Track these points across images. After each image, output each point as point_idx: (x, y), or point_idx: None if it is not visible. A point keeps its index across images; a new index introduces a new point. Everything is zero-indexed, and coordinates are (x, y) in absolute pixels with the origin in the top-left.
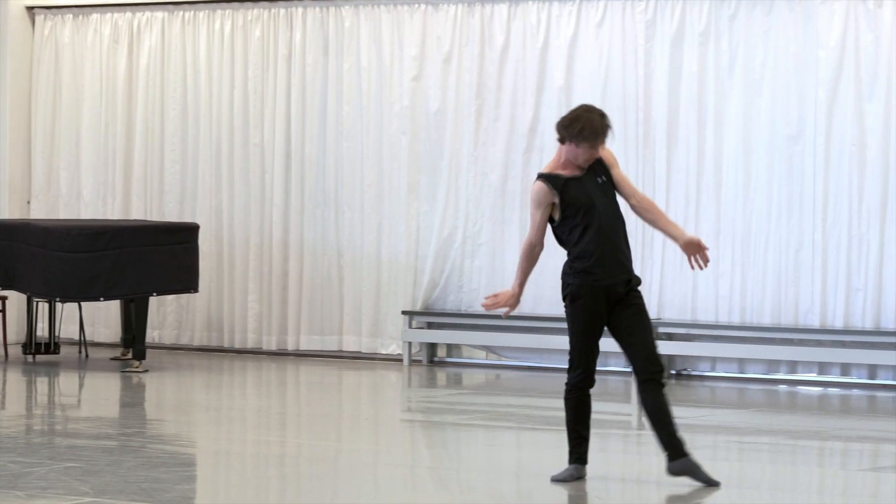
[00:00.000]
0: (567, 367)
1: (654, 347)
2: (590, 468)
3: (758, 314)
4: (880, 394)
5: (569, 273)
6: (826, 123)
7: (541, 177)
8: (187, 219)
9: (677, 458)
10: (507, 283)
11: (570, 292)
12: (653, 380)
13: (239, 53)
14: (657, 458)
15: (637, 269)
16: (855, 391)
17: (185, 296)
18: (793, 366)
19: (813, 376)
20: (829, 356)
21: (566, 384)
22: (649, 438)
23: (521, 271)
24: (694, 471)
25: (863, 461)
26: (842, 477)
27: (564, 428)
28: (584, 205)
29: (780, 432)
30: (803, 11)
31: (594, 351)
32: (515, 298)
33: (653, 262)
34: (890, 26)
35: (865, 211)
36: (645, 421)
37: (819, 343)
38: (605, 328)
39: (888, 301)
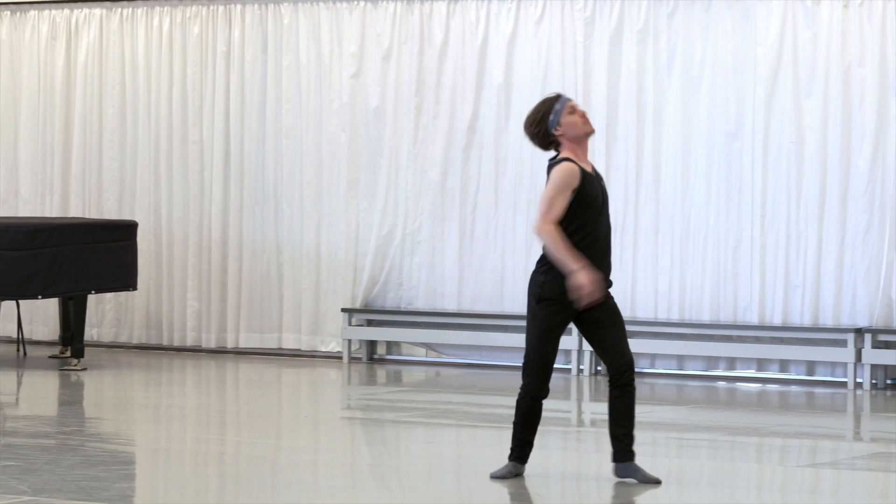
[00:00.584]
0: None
1: (625, 345)
2: (530, 465)
3: (697, 311)
4: (818, 390)
5: (550, 271)
6: (764, 121)
7: (568, 159)
8: (126, 216)
9: (622, 460)
10: (446, 281)
11: (548, 292)
12: (620, 379)
13: (177, 50)
14: (597, 454)
15: None
16: (793, 387)
17: (123, 294)
18: (731, 362)
19: (751, 373)
20: (768, 353)
21: (521, 388)
22: (588, 435)
23: (569, 253)
24: (634, 473)
25: (801, 457)
26: (780, 473)
27: (508, 425)
28: (597, 204)
29: (719, 429)
30: (741, 9)
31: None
32: (595, 279)
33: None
34: (827, 24)
35: (804, 208)
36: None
37: (758, 340)
38: (577, 328)
39: (826, 298)
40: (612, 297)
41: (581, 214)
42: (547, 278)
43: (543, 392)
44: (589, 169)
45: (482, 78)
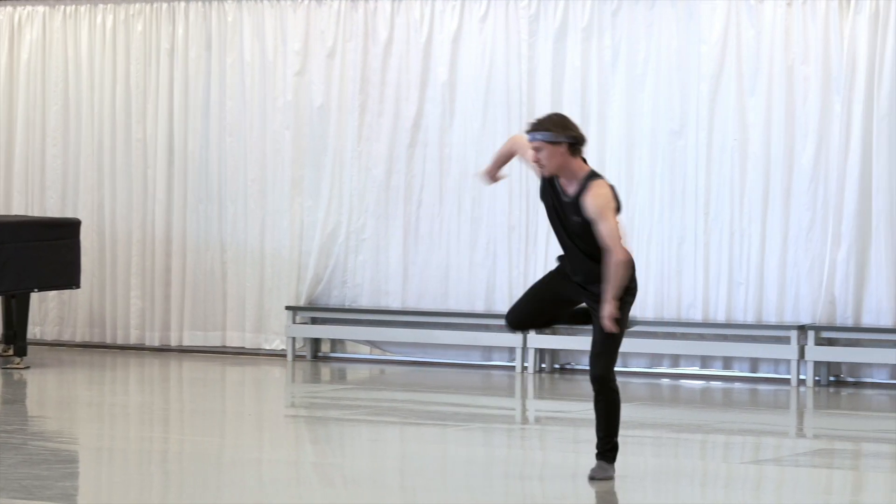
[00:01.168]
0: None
1: (594, 357)
2: (475, 463)
3: (641, 308)
4: (762, 387)
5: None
6: (708, 118)
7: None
8: (69, 214)
9: (596, 458)
10: (391, 279)
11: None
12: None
13: (121, 48)
14: (542, 452)
15: (520, 264)
16: (737, 384)
17: (66, 292)
18: (675, 359)
19: (695, 370)
20: (712, 350)
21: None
22: (532, 433)
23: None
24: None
25: (745, 454)
26: (724, 470)
27: (453, 423)
28: (548, 212)
29: (663, 426)
30: (685, 7)
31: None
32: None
33: (536, 257)
34: (771, 22)
35: (747, 205)
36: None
37: (701, 337)
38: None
39: (769, 295)
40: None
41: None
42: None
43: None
44: (563, 187)
45: (427, 76)
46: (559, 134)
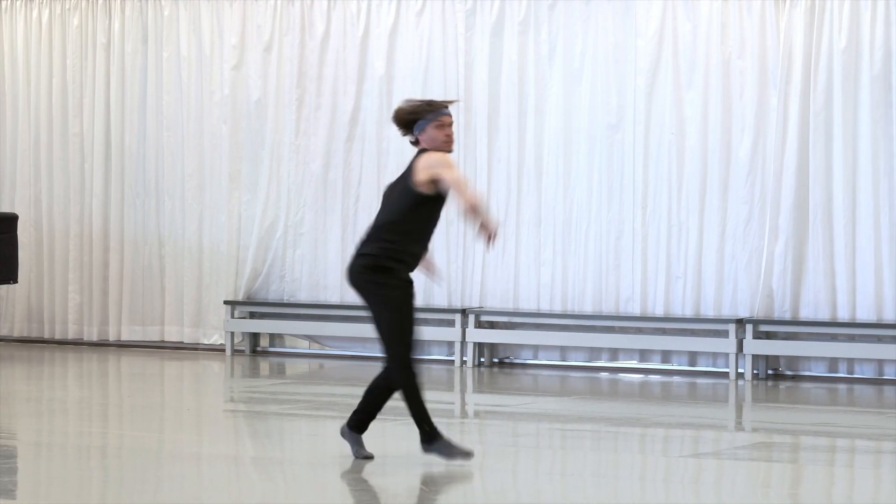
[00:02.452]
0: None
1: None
2: (413, 458)
3: (579, 302)
4: (700, 380)
5: (390, 255)
6: (645, 112)
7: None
8: (6, 209)
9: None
10: (329, 273)
11: (388, 277)
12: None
13: (57, 42)
14: (481, 445)
15: (459, 258)
16: (675, 378)
17: (4, 287)
18: (614, 353)
19: (634, 363)
20: (650, 343)
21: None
22: (472, 426)
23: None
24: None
25: (684, 447)
26: (663, 463)
27: (391, 417)
28: (441, 203)
29: (602, 419)
30: (622, 1)
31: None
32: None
33: (475, 251)
34: (707, 16)
35: (684, 199)
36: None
37: (640, 331)
38: None
39: (707, 289)
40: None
41: (430, 210)
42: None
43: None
44: None
45: (364, 70)
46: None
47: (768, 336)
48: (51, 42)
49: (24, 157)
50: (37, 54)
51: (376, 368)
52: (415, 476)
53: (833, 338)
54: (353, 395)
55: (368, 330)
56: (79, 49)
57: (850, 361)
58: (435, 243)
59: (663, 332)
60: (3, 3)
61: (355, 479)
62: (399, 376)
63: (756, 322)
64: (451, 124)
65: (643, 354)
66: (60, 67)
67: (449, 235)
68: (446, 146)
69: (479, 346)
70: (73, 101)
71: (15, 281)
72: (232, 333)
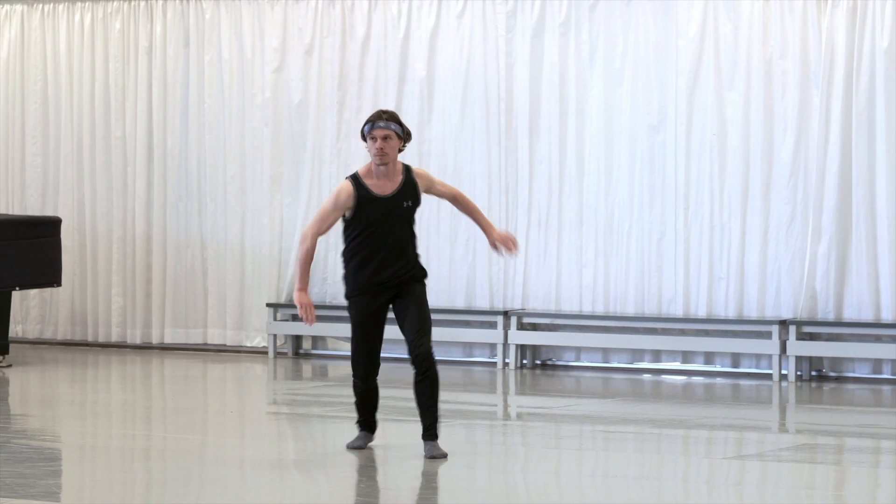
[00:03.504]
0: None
1: (421, 335)
2: (458, 457)
3: (621, 304)
4: (744, 382)
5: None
6: (687, 113)
7: (351, 177)
8: (49, 212)
9: (426, 439)
10: None
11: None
12: (419, 367)
13: (99, 46)
14: (524, 448)
15: (500, 260)
16: (718, 380)
17: (48, 290)
18: (657, 355)
19: (677, 365)
20: (693, 345)
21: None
22: (515, 428)
23: (302, 271)
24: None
25: (727, 449)
26: (707, 465)
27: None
28: (375, 224)
29: (645, 421)
30: (663, 2)
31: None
32: (305, 304)
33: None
34: (748, 16)
35: (727, 200)
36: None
37: (682, 332)
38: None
39: (750, 290)
40: (420, 290)
41: (358, 230)
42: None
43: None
44: (379, 190)
45: (404, 72)
46: (403, 128)
47: (812, 337)
48: (93, 46)
49: (67, 161)
50: (79, 58)
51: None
52: (455, 476)
53: (877, 339)
54: (395, 397)
55: None
56: (121, 53)
57: (895, 362)
58: (476, 244)
59: (706, 333)
60: (46, 8)
61: (397, 479)
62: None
63: (799, 323)
64: (384, 137)
65: (686, 356)
66: (103, 71)
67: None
68: (376, 159)
69: (522, 348)
70: (116, 104)
71: (59, 284)
72: (274, 336)
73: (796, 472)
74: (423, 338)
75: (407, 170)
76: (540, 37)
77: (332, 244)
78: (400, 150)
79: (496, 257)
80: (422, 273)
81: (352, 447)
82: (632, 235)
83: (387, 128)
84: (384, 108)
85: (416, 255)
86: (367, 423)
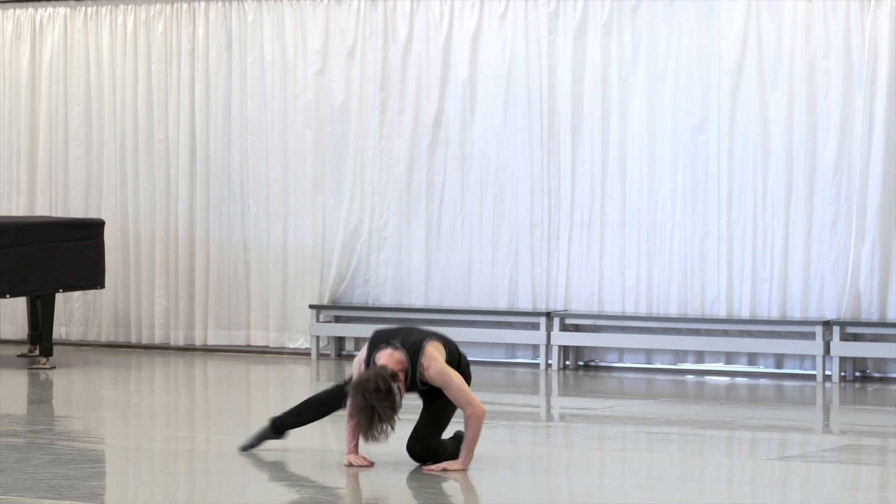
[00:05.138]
0: None
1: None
2: (501, 459)
3: (664, 305)
4: (787, 383)
5: None
6: (729, 114)
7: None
8: (93, 214)
9: None
10: (413, 276)
11: None
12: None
13: (142, 48)
14: (566, 449)
15: (543, 261)
16: (762, 380)
17: (91, 292)
18: (700, 356)
19: (720, 366)
20: (736, 346)
21: None
22: (557, 430)
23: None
24: None
25: (771, 450)
26: (750, 466)
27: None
28: None
29: (689, 422)
30: (705, 2)
31: None
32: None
33: (559, 254)
34: (791, 16)
35: (770, 200)
36: None
37: (726, 333)
38: None
39: (794, 290)
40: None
41: None
42: None
43: None
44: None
45: (447, 73)
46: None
47: (855, 338)
48: (136, 48)
49: (109, 163)
50: (122, 61)
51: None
52: (498, 477)
53: None
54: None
55: (454, 333)
56: (163, 55)
57: None
58: (519, 246)
59: (749, 334)
60: (88, 10)
61: (439, 482)
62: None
63: (843, 324)
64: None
65: (729, 357)
66: (145, 73)
67: (533, 238)
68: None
69: (564, 349)
70: (159, 106)
71: (102, 286)
72: (317, 337)
73: (840, 473)
74: (418, 440)
75: (413, 362)
76: (582, 38)
77: (375, 245)
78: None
79: (539, 258)
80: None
81: (248, 446)
82: (675, 236)
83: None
84: (428, 110)
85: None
86: (287, 425)
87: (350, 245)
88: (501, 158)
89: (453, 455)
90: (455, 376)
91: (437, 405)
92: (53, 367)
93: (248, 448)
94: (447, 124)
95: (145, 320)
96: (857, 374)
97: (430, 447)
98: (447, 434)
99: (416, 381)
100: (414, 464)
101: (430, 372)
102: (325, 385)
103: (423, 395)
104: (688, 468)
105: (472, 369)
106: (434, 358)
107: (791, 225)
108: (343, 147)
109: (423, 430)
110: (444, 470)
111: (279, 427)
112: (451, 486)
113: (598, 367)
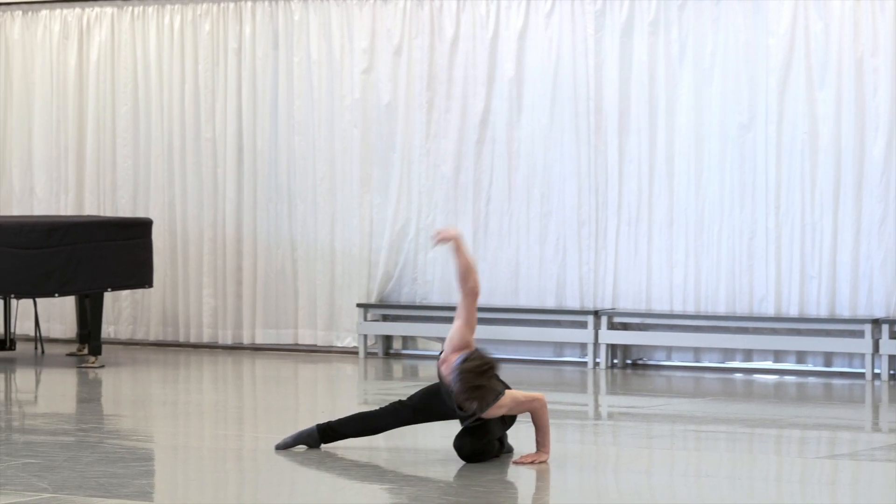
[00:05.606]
0: None
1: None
2: (549, 457)
3: (712, 303)
4: (836, 381)
5: None
6: (777, 111)
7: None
8: (140, 214)
9: None
10: None
11: None
12: None
13: (189, 48)
14: (615, 447)
15: (591, 260)
16: (811, 379)
17: (139, 291)
18: (748, 354)
19: (769, 364)
20: (785, 344)
21: None
22: (606, 428)
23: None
24: None
25: (820, 449)
26: (799, 465)
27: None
28: None
29: (737, 421)
30: (753, 0)
31: None
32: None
33: (606, 253)
34: (839, 14)
35: (818, 198)
36: None
37: (774, 331)
38: None
39: (842, 288)
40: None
41: None
42: None
43: None
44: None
45: (493, 72)
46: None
47: None
48: (182, 48)
49: (157, 163)
50: (169, 60)
51: (513, 370)
52: (547, 476)
53: None
54: None
55: (502, 332)
56: (210, 54)
57: None
58: (566, 244)
59: (798, 332)
60: (135, 10)
61: (489, 481)
62: None
63: (892, 322)
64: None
65: (778, 355)
66: (192, 73)
67: (580, 237)
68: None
69: (612, 348)
70: (206, 106)
71: (150, 285)
72: (365, 336)
73: (890, 471)
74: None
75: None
76: (629, 36)
77: (422, 244)
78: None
79: (586, 257)
80: None
81: (285, 446)
82: (722, 234)
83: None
84: (475, 109)
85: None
86: (335, 435)
87: (397, 244)
88: (548, 157)
89: (498, 454)
90: (508, 401)
91: None
92: (102, 366)
93: (284, 447)
94: (494, 123)
95: (193, 319)
96: None
97: (479, 448)
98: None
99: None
100: (460, 462)
101: (494, 411)
102: (372, 384)
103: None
104: (736, 467)
105: (520, 368)
106: (502, 406)
107: (839, 222)
108: (390, 146)
109: (469, 428)
110: (533, 462)
111: (326, 434)
112: (499, 485)
113: (645, 366)
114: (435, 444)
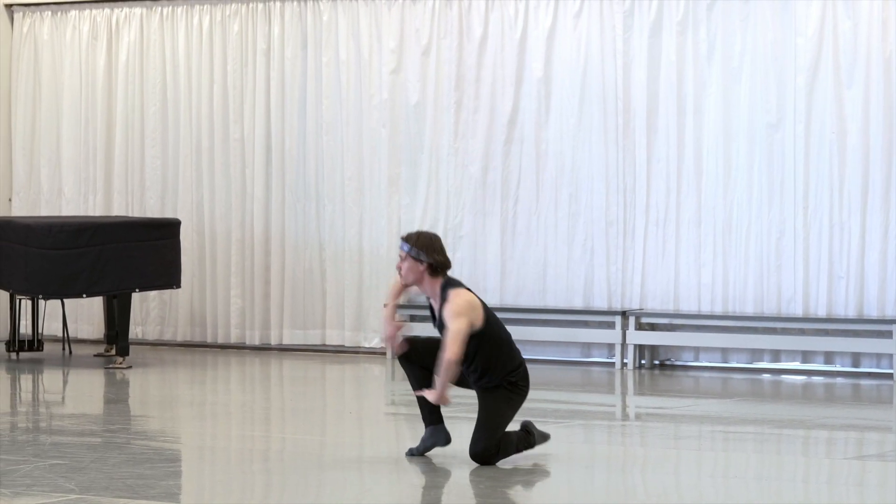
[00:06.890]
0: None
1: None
2: (576, 458)
3: (740, 303)
4: (864, 382)
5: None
6: (806, 111)
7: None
8: (169, 214)
9: None
10: (488, 275)
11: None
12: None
13: (218, 48)
14: (643, 448)
15: (619, 260)
16: (839, 379)
17: (167, 291)
18: (776, 354)
19: (796, 365)
20: (813, 345)
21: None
22: (633, 429)
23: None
24: None
25: (847, 450)
26: (827, 465)
27: (552, 420)
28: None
29: (765, 421)
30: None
31: None
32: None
33: (634, 253)
34: (867, 13)
35: (846, 198)
36: None
37: (802, 332)
38: None
39: (871, 289)
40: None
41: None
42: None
43: None
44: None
45: (522, 72)
46: (422, 253)
47: None
48: (211, 48)
49: (186, 163)
50: (198, 60)
51: (540, 371)
52: (573, 477)
53: None
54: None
55: (529, 333)
56: (239, 55)
57: None
58: (594, 244)
59: (826, 333)
60: (164, 10)
61: (518, 482)
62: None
63: None
64: (401, 258)
65: (806, 356)
66: (221, 73)
67: (608, 237)
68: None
69: (640, 348)
70: (234, 106)
71: (178, 286)
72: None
73: None
74: (478, 439)
75: (443, 296)
76: (657, 36)
77: (450, 244)
78: (432, 275)
79: (614, 257)
80: (493, 383)
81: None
82: (750, 234)
83: (400, 249)
84: (503, 109)
85: (485, 368)
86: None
87: None
88: (577, 157)
89: (518, 447)
90: (462, 326)
91: (491, 406)
92: (129, 367)
93: (416, 454)
94: (522, 123)
95: (221, 320)
96: None
97: (491, 447)
98: (513, 426)
99: (441, 306)
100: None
101: (449, 305)
102: (400, 384)
103: (439, 330)
104: (764, 468)
105: (547, 369)
106: (462, 301)
107: (868, 222)
108: (418, 146)
109: (480, 433)
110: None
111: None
112: (527, 486)
113: (673, 366)
114: (463, 446)
